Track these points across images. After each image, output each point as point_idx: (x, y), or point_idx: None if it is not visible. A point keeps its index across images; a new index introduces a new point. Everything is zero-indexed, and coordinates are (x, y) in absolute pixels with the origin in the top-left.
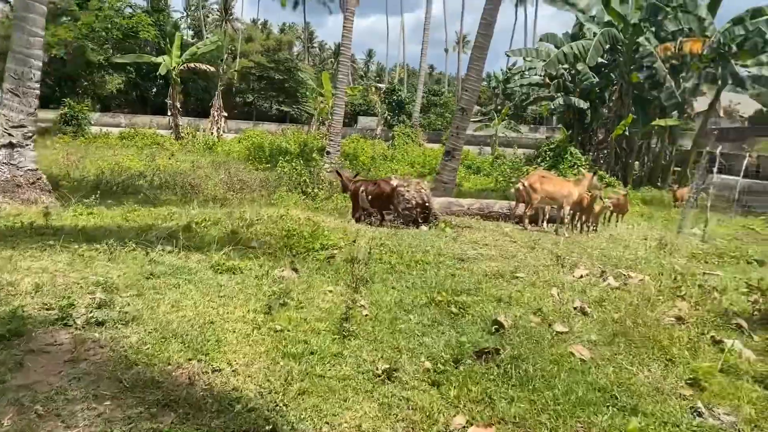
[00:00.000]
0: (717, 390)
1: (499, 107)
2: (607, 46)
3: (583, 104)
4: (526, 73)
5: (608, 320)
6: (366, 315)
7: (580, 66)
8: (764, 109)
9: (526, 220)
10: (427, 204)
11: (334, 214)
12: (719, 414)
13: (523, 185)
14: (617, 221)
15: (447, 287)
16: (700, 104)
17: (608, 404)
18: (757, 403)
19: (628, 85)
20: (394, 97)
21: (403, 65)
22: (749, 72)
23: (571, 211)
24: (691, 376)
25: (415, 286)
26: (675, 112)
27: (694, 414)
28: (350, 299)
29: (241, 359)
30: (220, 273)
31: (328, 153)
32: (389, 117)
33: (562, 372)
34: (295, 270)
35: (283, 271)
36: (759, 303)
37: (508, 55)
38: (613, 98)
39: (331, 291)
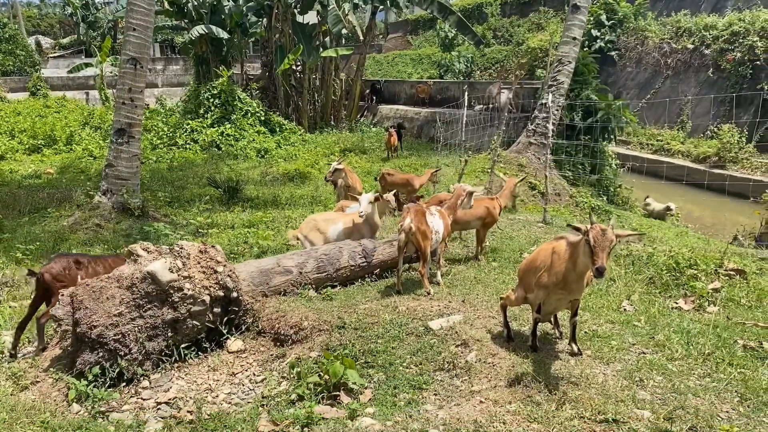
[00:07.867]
0: None
1: (82, 38)
2: None
3: (224, 33)
4: None
5: None
6: None
7: None
8: None
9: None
10: (234, 292)
11: None
12: None
13: (410, 229)
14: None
15: None
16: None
17: None
18: None
19: (285, 8)
20: None
21: None
22: None
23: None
24: None
25: None
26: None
27: None
28: None
29: None
30: None
31: None
32: None
33: None
34: None
35: None
36: None
37: None
38: (262, 26)
39: None
